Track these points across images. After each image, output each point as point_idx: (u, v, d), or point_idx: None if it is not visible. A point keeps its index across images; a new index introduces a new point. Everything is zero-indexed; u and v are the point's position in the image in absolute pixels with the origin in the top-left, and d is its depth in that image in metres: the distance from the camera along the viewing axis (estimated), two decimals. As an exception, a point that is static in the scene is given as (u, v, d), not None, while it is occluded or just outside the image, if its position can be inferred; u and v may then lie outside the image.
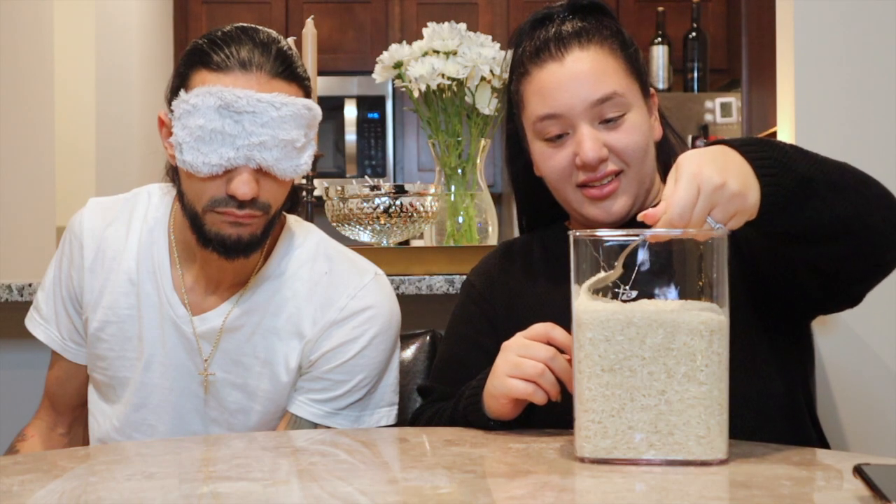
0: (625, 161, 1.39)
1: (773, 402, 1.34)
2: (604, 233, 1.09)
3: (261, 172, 1.38)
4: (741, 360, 1.30)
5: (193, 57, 1.40)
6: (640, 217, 1.07)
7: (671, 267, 1.09)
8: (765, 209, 1.11)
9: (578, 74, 1.37)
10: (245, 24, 1.43)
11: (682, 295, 1.08)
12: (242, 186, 1.36)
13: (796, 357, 1.40)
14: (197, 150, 1.35)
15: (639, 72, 1.42)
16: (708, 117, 4.64)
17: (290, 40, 1.59)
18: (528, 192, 1.55)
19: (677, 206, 1.05)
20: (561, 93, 1.37)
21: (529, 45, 1.42)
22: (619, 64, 1.40)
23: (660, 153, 1.48)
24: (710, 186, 1.05)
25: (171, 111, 1.39)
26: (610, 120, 1.37)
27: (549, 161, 1.41)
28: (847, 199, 1.17)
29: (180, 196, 1.43)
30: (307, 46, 2.21)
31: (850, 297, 1.32)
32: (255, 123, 1.35)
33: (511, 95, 1.47)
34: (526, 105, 1.43)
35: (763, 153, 1.12)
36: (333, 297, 1.48)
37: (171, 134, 1.40)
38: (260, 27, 1.43)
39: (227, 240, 1.39)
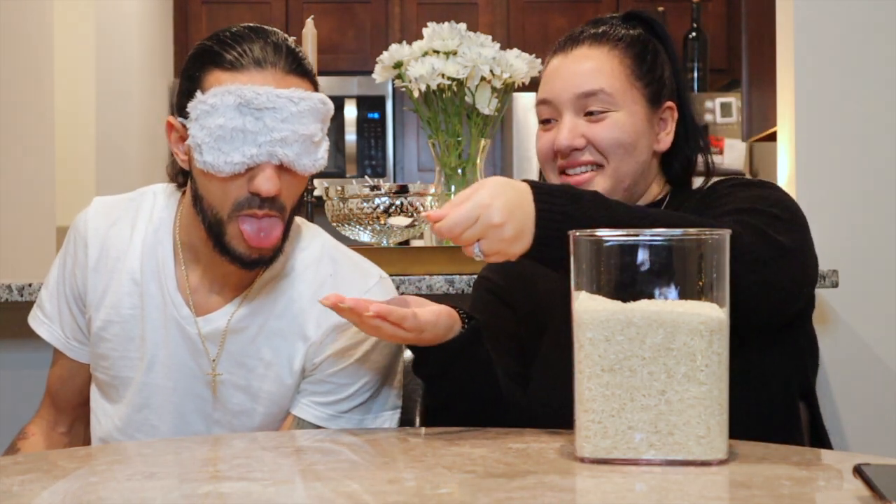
0: (602, 154, 1.46)
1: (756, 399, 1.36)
2: (604, 233, 1.10)
3: (281, 169, 1.38)
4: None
5: (203, 58, 1.39)
6: (423, 214, 1.12)
7: (671, 267, 1.09)
8: (536, 255, 1.22)
9: (575, 68, 1.48)
10: (252, 24, 1.44)
11: (682, 295, 1.08)
12: (266, 183, 1.36)
13: (786, 357, 1.41)
14: (218, 149, 1.35)
15: (648, 82, 1.49)
16: (708, 117, 4.63)
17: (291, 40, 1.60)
18: None
19: (452, 221, 1.19)
20: (555, 81, 1.49)
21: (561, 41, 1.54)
22: (622, 69, 1.47)
23: (666, 162, 1.54)
24: (488, 223, 1.19)
25: (187, 114, 1.38)
26: (593, 113, 1.46)
27: (538, 142, 1.52)
28: None
29: (197, 201, 1.42)
30: (307, 46, 2.21)
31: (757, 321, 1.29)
32: (276, 119, 1.35)
33: None
34: None
35: (556, 206, 1.21)
36: (338, 300, 1.48)
37: (183, 138, 1.40)
38: (266, 26, 1.44)
39: (245, 258, 1.40)
